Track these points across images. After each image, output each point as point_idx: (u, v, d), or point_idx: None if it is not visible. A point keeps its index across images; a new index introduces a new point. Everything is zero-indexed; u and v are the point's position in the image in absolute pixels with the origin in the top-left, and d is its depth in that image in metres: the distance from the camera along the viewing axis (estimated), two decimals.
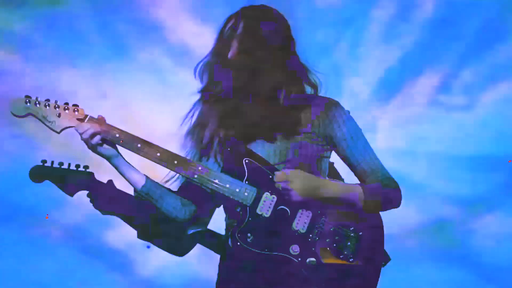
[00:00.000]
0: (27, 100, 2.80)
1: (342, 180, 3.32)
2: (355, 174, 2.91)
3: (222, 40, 2.84)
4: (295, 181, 2.67)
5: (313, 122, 2.84)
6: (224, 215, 3.32)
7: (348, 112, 2.93)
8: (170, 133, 3.26)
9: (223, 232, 3.01)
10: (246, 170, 2.81)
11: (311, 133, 2.83)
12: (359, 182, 2.84)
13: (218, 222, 3.42)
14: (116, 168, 2.87)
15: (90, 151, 2.82)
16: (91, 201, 3.27)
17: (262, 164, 2.82)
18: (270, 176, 2.79)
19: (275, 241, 2.74)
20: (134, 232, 3.37)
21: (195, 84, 3.02)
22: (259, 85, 2.79)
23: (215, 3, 3.55)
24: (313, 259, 2.72)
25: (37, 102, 2.81)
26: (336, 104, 2.89)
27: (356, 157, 2.87)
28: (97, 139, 2.78)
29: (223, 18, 3.00)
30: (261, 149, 2.85)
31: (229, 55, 2.81)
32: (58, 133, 2.82)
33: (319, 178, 2.76)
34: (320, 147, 2.86)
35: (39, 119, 2.81)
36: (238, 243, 2.74)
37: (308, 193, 2.70)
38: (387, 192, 2.83)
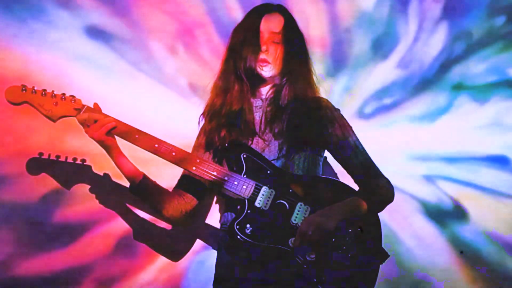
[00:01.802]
0: (23, 88, 2.78)
1: (335, 174, 3.30)
2: (346, 170, 2.92)
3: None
4: (314, 233, 2.63)
5: (305, 121, 2.85)
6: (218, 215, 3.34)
7: (339, 110, 2.96)
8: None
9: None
10: (244, 165, 2.80)
11: (303, 132, 2.85)
12: (356, 190, 2.83)
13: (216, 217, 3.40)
14: (115, 159, 2.84)
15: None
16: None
17: (260, 159, 2.82)
18: (268, 171, 2.79)
19: (274, 233, 2.71)
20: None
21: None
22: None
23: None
24: (312, 253, 2.69)
25: (33, 90, 2.78)
26: (327, 103, 2.94)
27: (347, 153, 2.88)
28: (106, 129, 2.76)
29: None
30: (257, 145, 2.86)
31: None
32: (55, 121, 2.80)
33: (325, 210, 2.71)
34: (313, 144, 2.87)
35: (35, 107, 2.78)
36: (237, 236, 2.70)
37: (326, 229, 2.66)
38: (382, 193, 2.84)
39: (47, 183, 3.26)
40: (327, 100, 2.95)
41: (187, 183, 2.97)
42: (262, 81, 2.90)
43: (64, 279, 3.32)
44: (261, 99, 2.94)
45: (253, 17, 2.91)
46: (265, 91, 2.94)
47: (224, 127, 2.88)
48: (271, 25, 2.88)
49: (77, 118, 2.78)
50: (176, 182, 3.01)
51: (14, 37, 3.32)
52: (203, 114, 2.99)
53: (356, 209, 2.74)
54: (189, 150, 2.93)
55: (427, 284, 3.53)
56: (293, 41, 2.91)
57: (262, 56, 2.85)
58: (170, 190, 2.98)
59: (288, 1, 3.39)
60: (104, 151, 2.83)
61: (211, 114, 2.93)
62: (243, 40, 2.86)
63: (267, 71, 2.86)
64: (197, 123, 3.03)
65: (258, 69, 2.85)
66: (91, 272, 3.35)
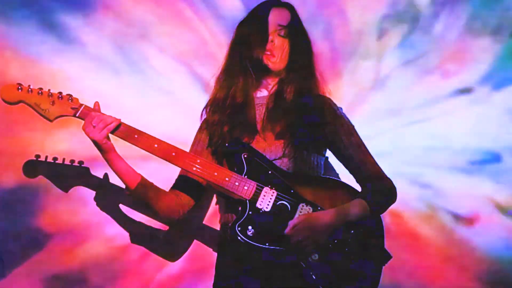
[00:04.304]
0: (19, 87, 2.72)
1: (337, 174, 3.25)
2: (349, 170, 2.89)
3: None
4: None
5: (308, 120, 2.83)
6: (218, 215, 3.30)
7: (341, 108, 2.94)
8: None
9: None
10: (245, 165, 2.77)
11: (305, 131, 2.82)
12: (358, 191, 2.81)
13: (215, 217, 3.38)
14: (111, 163, 2.78)
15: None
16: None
17: (261, 159, 2.78)
18: (270, 172, 2.76)
19: (275, 235, 2.68)
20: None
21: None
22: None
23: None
24: (315, 254, 2.66)
25: (29, 89, 2.73)
26: (330, 102, 2.92)
27: (350, 153, 2.85)
28: (108, 131, 2.71)
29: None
30: (259, 145, 2.83)
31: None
32: (51, 121, 2.74)
33: (323, 216, 2.68)
34: (314, 144, 2.85)
35: (32, 107, 2.72)
36: (239, 237, 2.67)
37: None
38: (385, 194, 2.81)
39: (44, 185, 3.24)
40: (329, 98, 2.93)
41: (184, 183, 2.93)
42: (267, 73, 2.88)
43: (62, 282, 3.30)
44: (265, 95, 2.91)
45: (261, 9, 2.90)
46: (270, 85, 2.92)
47: (227, 122, 2.86)
48: (278, 18, 2.87)
49: (85, 119, 2.70)
50: (167, 181, 2.96)
51: (14, 38, 3.32)
52: (205, 107, 2.96)
53: (358, 212, 2.70)
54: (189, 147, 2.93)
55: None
56: (299, 37, 2.90)
57: (269, 47, 2.84)
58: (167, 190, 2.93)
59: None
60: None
61: (214, 107, 2.90)
62: (250, 31, 2.86)
63: (273, 63, 2.85)
64: (197, 122, 2.99)
65: (265, 60, 2.84)
66: (90, 274, 3.33)
